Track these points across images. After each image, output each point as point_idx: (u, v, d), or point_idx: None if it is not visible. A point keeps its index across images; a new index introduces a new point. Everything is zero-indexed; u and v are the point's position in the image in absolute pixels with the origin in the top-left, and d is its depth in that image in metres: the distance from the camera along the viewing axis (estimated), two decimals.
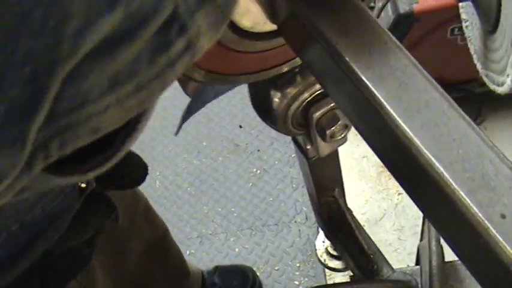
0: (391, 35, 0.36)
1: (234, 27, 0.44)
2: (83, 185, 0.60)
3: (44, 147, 0.26)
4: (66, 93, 0.25)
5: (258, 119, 0.61)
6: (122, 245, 0.92)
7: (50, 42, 0.23)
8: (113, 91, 0.26)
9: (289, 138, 0.73)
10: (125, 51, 0.25)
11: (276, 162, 1.80)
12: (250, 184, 1.77)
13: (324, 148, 0.64)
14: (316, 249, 1.13)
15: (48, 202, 0.55)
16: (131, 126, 0.34)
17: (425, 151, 0.31)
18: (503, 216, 0.29)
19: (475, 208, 0.29)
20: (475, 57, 0.88)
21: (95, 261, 0.76)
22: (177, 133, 0.70)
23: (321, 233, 1.09)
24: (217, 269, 1.53)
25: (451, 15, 1.29)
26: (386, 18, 1.33)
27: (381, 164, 0.42)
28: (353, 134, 0.56)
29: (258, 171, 1.79)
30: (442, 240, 0.90)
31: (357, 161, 1.66)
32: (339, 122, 0.58)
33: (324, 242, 1.11)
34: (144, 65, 0.26)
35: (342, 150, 0.71)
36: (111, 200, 0.70)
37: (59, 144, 0.27)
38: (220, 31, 0.29)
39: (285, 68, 0.53)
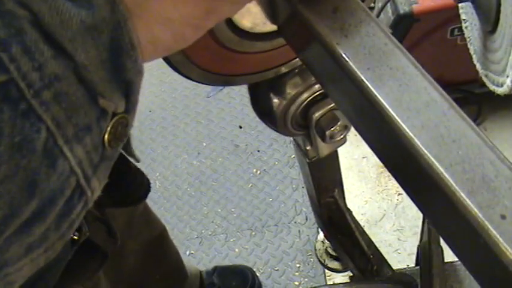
0: (391, 35, 0.36)
1: (234, 28, 0.44)
2: (75, 237, 0.61)
3: None
4: None
5: (258, 119, 0.61)
6: (119, 245, 0.92)
7: None
8: (28, 255, 0.30)
9: (289, 139, 0.73)
10: (39, 226, 0.29)
11: (276, 163, 1.79)
12: (250, 185, 1.77)
13: (324, 149, 0.64)
14: (316, 250, 1.13)
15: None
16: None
17: (426, 152, 0.31)
18: (503, 217, 0.29)
19: (475, 209, 0.29)
20: (474, 57, 0.88)
21: None
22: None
23: (321, 234, 1.09)
24: (216, 269, 1.53)
25: (451, 15, 1.29)
26: (386, 19, 1.33)
27: (381, 164, 0.42)
28: (353, 135, 0.56)
29: (258, 172, 1.79)
30: (442, 241, 0.90)
31: (357, 161, 1.66)
32: (339, 123, 0.58)
33: (323, 242, 1.11)
34: (52, 232, 0.30)
35: (342, 151, 0.71)
36: (104, 248, 0.71)
37: None
38: (107, 178, 0.33)
39: (285, 69, 0.53)
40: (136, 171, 0.78)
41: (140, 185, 0.80)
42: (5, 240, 0.28)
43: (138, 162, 0.81)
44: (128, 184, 0.79)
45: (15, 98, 0.26)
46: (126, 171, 0.77)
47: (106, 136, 0.30)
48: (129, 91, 0.31)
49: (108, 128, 0.30)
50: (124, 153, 0.74)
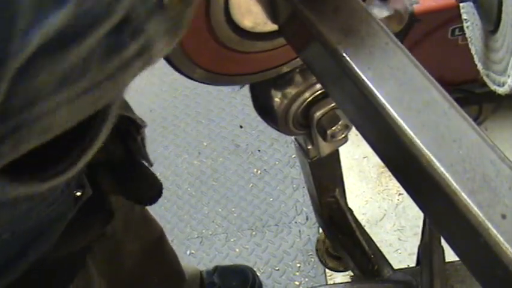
0: (392, 35, 0.36)
1: (235, 28, 0.44)
2: (78, 193, 0.60)
3: None
4: (17, 91, 0.24)
5: (259, 119, 0.61)
6: (117, 246, 0.92)
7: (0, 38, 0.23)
8: (64, 89, 0.26)
9: (289, 138, 0.73)
10: (77, 50, 0.25)
11: (277, 162, 1.80)
12: (251, 185, 1.77)
13: (325, 148, 0.64)
14: (316, 250, 1.13)
15: (42, 210, 0.55)
16: (90, 136, 0.34)
17: (426, 151, 0.31)
18: (503, 217, 0.29)
19: (475, 208, 0.29)
20: (476, 57, 0.88)
21: (90, 262, 0.76)
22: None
23: (322, 234, 1.09)
24: (217, 268, 1.53)
25: (452, 15, 1.29)
26: None
27: (382, 164, 0.42)
28: (354, 134, 0.56)
29: (259, 172, 1.79)
30: (442, 241, 0.90)
31: (358, 161, 1.66)
32: (340, 122, 0.58)
33: (324, 242, 1.11)
34: (96, 65, 0.26)
35: (343, 151, 0.71)
36: (109, 207, 0.70)
37: (11, 144, 0.26)
38: (174, 42, 0.30)
39: (286, 68, 0.53)
40: (145, 171, 0.78)
41: (151, 186, 0.80)
42: (33, 58, 0.24)
43: (151, 166, 0.81)
44: (137, 181, 0.79)
45: None
46: (140, 172, 0.77)
47: None
48: None
49: None
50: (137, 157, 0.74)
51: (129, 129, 0.72)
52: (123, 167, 0.75)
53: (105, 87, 0.28)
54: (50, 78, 0.25)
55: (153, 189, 0.79)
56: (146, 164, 0.76)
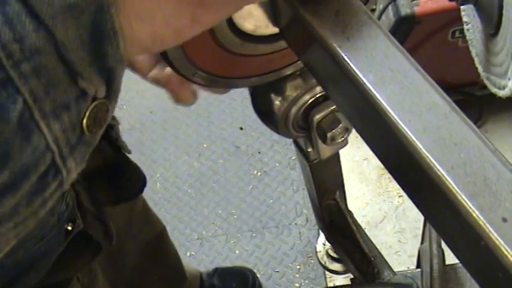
0: (393, 38, 0.36)
1: (236, 31, 0.44)
2: (69, 228, 0.61)
3: None
4: None
5: (259, 121, 0.61)
6: (118, 244, 0.92)
7: None
8: None
9: (289, 140, 0.73)
10: (9, 201, 0.29)
11: (277, 164, 1.80)
12: (251, 186, 1.77)
13: (325, 151, 0.64)
14: (316, 252, 1.12)
15: (31, 245, 0.54)
16: None
17: (427, 154, 0.31)
18: (504, 220, 0.29)
19: (476, 212, 0.29)
20: (476, 60, 0.88)
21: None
22: None
23: (322, 235, 1.08)
24: (217, 270, 1.53)
25: (452, 17, 1.29)
26: (387, 21, 1.33)
27: (382, 166, 0.42)
28: (354, 136, 0.56)
29: (259, 174, 1.79)
30: (443, 243, 0.90)
31: (358, 163, 1.66)
32: (340, 125, 0.58)
33: (324, 244, 1.11)
34: (23, 208, 0.30)
35: (343, 153, 0.71)
36: (98, 240, 0.71)
37: None
38: (85, 162, 0.33)
39: (287, 71, 0.53)
40: (133, 166, 0.78)
41: (137, 180, 0.81)
42: None
43: (129, 153, 0.81)
44: (126, 179, 0.79)
45: None
46: (125, 166, 0.78)
47: (85, 120, 0.30)
48: (110, 78, 0.31)
49: (88, 112, 0.30)
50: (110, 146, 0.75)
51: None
52: (117, 165, 0.76)
53: (28, 222, 0.31)
54: None
55: (140, 181, 0.81)
56: (126, 154, 0.78)
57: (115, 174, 0.78)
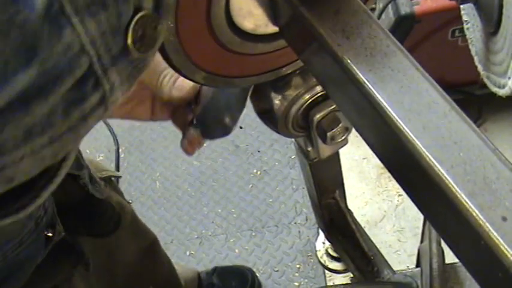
0: (393, 37, 0.36)
1: (236, 30, 0.44)
2: (50, 234, 0.60)
3: None
4: None
5: (259, 120, 0.61)
6: (107, 257, 0.92)
7: None
8: (28, 143, 0.27)
9: (289, 139, 0.73)
10: (40, 106, 0.26)
11: (276, 163, 1.80)
12: (251, 185, 1.77)
13: (325, 150, 0.64)
14: (316, 251, 1.13)
15: (9, 251, 0.54)
16: (52, 173, 0.35)
17: (427, 153, 0.31)
18: (504, 219, 0.29)
19: (476, 210, 0.29)
20: (476, 59, 0.88)
21: (78, 277, 0.75)
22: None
23: (321, 234, 1.09)
24: (216, 269, 1.53)
25: (452, 16, 1.29)
26: (387, 20, 1.33)
27: (381, 165, 0.42)
28: (353, 135, 0.56)
29: (258, 173, 1.79)
30: (442, 242, 0.90)
31: (357, 162, 1.66)
32: (340, 124, 0.58)
33: (324, 243, 1.11)
34: (59, 119, 0.27)
35: (342, 152, 0.71)
36: (80, 248, 0.69)
37: None
38: (134, 85, 0.30)
39: (287, 70, 0.53)
40: (104, 206, 0.78)
41: (108, 220, 0.80)
42: None
43: (102, 197, 0.80)
44: (98, 217, 0.79)
45: None
46: (95, 206, 0.77)
47: (130, 32, 0.27)
48: None
49: (132, 23, 0.27)
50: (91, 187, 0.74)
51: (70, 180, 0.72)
52: (83, 205, 0.75)
53: (66, 139, 0.28)
54: (14, 134, 0.26)
55: (111, 222, 0.80)
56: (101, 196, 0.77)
57: (86, 212, 0.78)
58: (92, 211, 0.77)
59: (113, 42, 0.27)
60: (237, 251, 1.65)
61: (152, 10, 0.28)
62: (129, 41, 0.27)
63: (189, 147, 0.60)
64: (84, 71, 0.26)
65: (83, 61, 0.26)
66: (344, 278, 1.36)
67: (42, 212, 0.60)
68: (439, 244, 0.91)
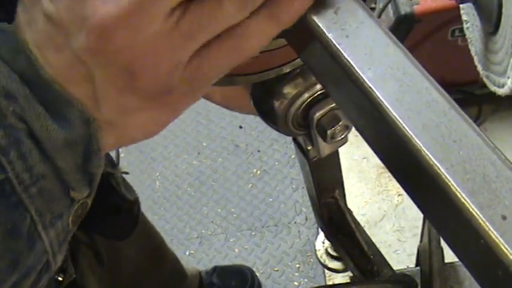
0: (393, 36, 0.36)
1: None
2: (60, 278, 0.62)
3: None
4: None
5: (258, 119, 0.61)
6: (116, 253, 0.92)
7: None
8: None
9: (289, 139, 0.73)
10: None
11: (276, 163, 1.80)
12: (250, 185, 1.77)
13: (325, 148, 0.64)
14: (315, 250, 1.12)
15: None
16: None
17: (426, 152, 0.31)
18: (504, 218, 0.29)
19: (475, 209, 0.29)
20: (475, 58, 0.88)
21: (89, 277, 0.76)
22: None
23: (321, 234, 1.08)
24: (216, 269, 1.53)
25: (452, 16, 1.29)
26: (387, 19, 1.33)
27: (381, 165, 0.42)
28: (353, 135, 0.56)
29: (258, 172, 1.79)
30: (442, 241, 0.90)
31: (357, 162, 1.66)
32: (340, 123, 0.58)
33: (323, 242, 1.11)
34: None
35: (342, 151, 0.71)
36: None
37: None
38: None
39: (286, 69, 0.53)
40: (125, 212, 0.78)
41: (123, 226, 0.81)
42: None
43: (131, 202, 0.81)
44: (114, 220, 0.79)
45: (8, 192, 0.32)
46: (118, 207, 0.78)
47: (71, 218, 0.36)
48: (92, 180, 0.37)
49: (73, 212, 0.36)
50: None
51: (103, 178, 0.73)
52: (107, 208, 0.76)
53: None
54: None
55: (125, 229, 0.81)
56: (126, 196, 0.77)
57: (108, 215, 0.78)
58: (115, 215, 0.77)
59: (62, 235, 0.36)
60: (236, 250, 1.65)
61: (87, 196, 0.37)
62: (70, 224, 0.37)
63: None
64: (42, 265, 0.36)
65: (43, 259, 0.35)
66: (344, 278, 1.36)
67: None
68: (439, 243, 0.91)
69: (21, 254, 0.33)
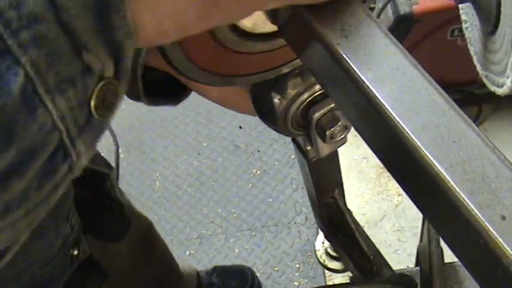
0: (392, 37, 0.36)
1: (235, 28, 0.44)
2: (75, 252, 0.60)
3: None
4: None
5: (258, 120, 0.61)
6: (107, 254, 0.92)
7: None
8: (7, 217, 0.28)
9: (289, 139, 0.73)
10: (18, 183, 0.27)
11: (276, 163, 1.80)
12: (250, 185, 1.77)
13: (324, 149, 0.64)
14: (315, 250, 1.13)
15: (37, 270, 0.53)
16: None
17: (426, 152, 0.31)
18: (503, 218, 0.29)
19: (475, 209, 0.29)
20: (475, 58, 0.88)
21: None
22: None
23: (321, 234, 1.09)
24: (216, 269, 1.53)
25: (451, 16, 1.29)
26: (386, 19, 1.33)
27: (381, 165, 0.42)
28: (352, 135, 0.56)
29: (258, 172, 1.79)
30: (441, 242, 0.90)
31: (357, 162, 1.66)
32: (339, 123, 0.58)
33: (323, 243, 1.11)
34: (34, 192, 0.28)
35: (342, 152, 0.71)
36: (103, 267, 0.70)
37: None
38: (95, 147, 0.32)
39: (286, 69, 0.53)
40: (117, 213, 0.78)
41: (118, 228, 0.80)
42: None
43: (122, 206, 0.80)
44: (108, 221, 0.79)
45: None
46: (110, 207, 0.77)
47: (93, 100, 0.29)
48: (118, 54, 0.29)
49: (95, 91, 0.29)
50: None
51: (99, 178, 0.72)
52: (92, 209, 0.75)
53: (40, 209, 0.30)
54: None
55: (119, 231, 0.80)
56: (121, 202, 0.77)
57: (102, 218, 0.78)
58: (109, 217, 0.77)
59: (80, 115, 0.29)
60: (236, 250, 1.65)
61: (113, 77, 0.29)
62: (93, 109, 0.29)
63: None
64: (54, 146, 0.28)
65: (54, 137, 0.28)
66: (343, 278, 1.37)
67: (69, 230, 0.60)
68: (438, 243, 0.91)
69: (15, 120, 0.26)
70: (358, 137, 0.38)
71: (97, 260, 0.68)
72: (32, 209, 0.29)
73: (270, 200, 1.72)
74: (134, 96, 0.56)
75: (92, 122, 0.29)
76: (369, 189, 1.62)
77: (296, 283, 1.57)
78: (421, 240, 1.01)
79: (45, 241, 0.53)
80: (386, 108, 0.33)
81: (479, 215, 0.29)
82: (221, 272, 1.52)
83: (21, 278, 0.52)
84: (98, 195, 0.74)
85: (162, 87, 0.61)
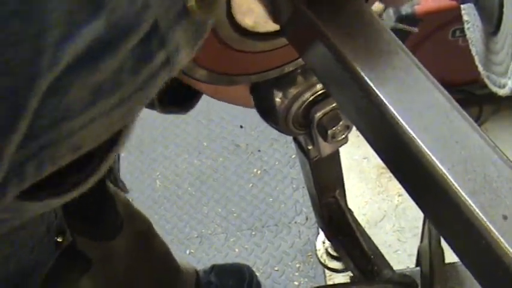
0: (395, 37, 0.36)
1: (236, 27, 0.44)
2: (60, 239, 0.58)
3: (19, 170, 0.24)
4: (46, 108, 0.23)
5: (259, 119, 0.61)
6: (102, 250, 0.91)
7: (29, 53, 0.21)
8: (97, 104, 0.25)
9: (289, 138, 0.73)
10: (109, 62, 0.24)
11: (277, 163, 1.80)
12: (251, 185, 1.77)
13: (326, 148, 0.64)
14: (316, 250, 1.12)
15: (23, 255, 0.53)
16: (110, 142, 0.33)
17: (428, 152, 0.31)
18: (505, 218, 0.29)
19: (477, 209, 0.29)
20: (476, 58, 0.88)
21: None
22: None
23: (321, 234, 1.09)
24: (214, 267, 1.53)
25: (453, 16, 1.29)
26: (388, 20, 1.33)
27: (382, 165, 0.42)
28: (354, 135, 0.56)
29: (259, 172, 1.79)
30: (442, 242, 0.90)
31: (357, 162, 1.66)
32: (341, 123, 0.58)
33: (324, 242, 1.11)
34: (127, 77, 0.26)
35: (343, 151, 0.71)
36: (87, 255, 0.69)
37: (35, 166, 0.25)
38: (195, 49, 0.29)
39: (288, 68, 0.53)
40: (113, 211, 0.77)
41: (111, 226, 0.79)
42: (64, 73, 0.23)
43: (127, 192, 0.79)
44: (101, 219, 0.78)
45: None
46: (105, 207, 0.76)
47: None
48: None
49: None
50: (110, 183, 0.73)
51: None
52: (94, 207, 0.74)
53: (134, 100, 0.27)
54: (81, 94, 0.24)
55: (112, 229, 0.79)
56: (121, 189, 0.76)
57: (93, 210, 0.77)
58: (102, 215, 0.76)
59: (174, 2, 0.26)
60: (236, 250, 1.65)
61: None
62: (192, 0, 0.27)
63: None
64: (149, 27, 0.25)
65: (148, 16, 0.25)
66: (344, 277, 1.36)
67: (53, 216, 0.60)
68: (439, 244, 0.91)
69: None
70: (360, 136, 0.38)
71: (80, 250, 0.68)
72: (126, 98, 0.26)
73: (271, 199, 1.72)
74: (149, 104, 0.56)
75: (189, 13, 0.27)
76: (369, 189, 1.62)
77: (296, 283, 1.57)
78: (421, 241, 1.01)
79: (30, 226, 0.52)
80: (389, 108, 0.33)
81: (481, 215, 0.29)
82: (219, 270, 1.52)
83: (8, 263, 0.52)
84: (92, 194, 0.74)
85: (173, 95, 0.60)
